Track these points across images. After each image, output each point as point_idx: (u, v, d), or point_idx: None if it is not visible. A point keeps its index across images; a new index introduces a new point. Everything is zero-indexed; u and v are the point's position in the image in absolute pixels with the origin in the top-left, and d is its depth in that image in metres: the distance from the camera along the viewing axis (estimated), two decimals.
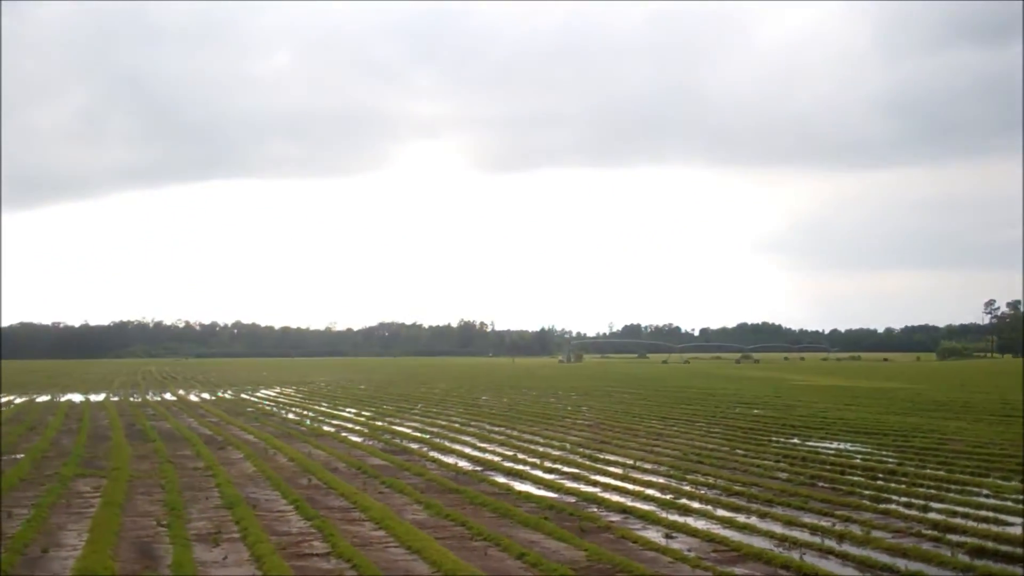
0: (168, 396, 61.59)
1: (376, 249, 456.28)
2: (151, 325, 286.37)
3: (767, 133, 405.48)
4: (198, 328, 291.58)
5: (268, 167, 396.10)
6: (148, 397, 60.09)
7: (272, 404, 53.52)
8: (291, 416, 43.74)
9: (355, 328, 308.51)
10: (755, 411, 43.39)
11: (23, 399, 57.38)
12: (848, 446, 28.53)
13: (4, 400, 55.97)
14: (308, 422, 39.75)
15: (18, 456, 26.50)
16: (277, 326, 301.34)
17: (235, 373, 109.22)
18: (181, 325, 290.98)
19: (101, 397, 59.87)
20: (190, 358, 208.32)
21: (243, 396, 61.61)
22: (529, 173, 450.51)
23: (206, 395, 62.81)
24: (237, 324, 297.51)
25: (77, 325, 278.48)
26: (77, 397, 60.07)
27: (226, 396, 61.66)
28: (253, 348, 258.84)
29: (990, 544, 14.53)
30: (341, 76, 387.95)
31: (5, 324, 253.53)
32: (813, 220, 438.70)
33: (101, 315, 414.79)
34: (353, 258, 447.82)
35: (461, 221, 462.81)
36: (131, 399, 57.68)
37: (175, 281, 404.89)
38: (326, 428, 36.76)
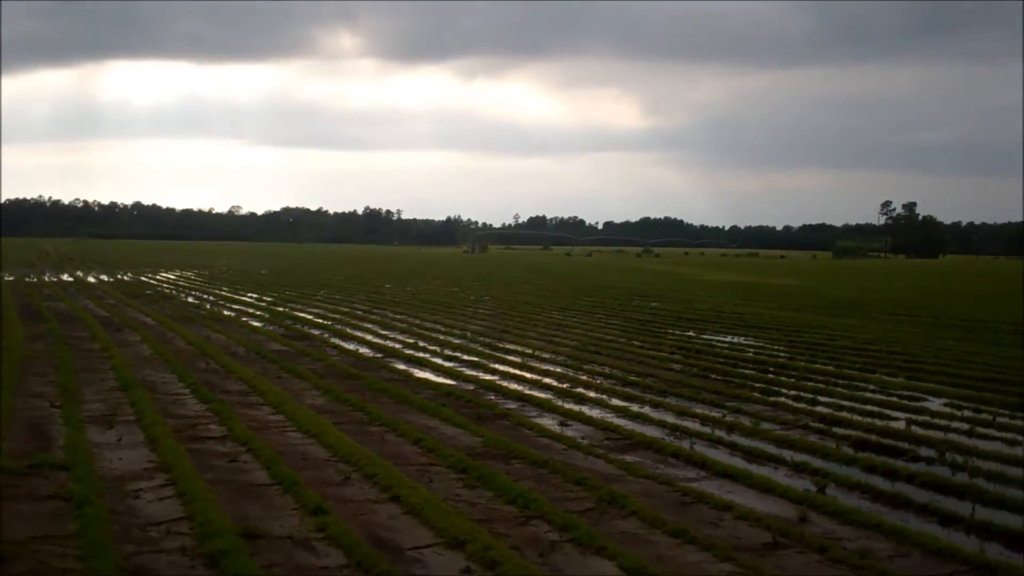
0: (65, 277, 60.37)
1: (284, 134, 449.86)
2: (48, 204, 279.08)
3: (682, 28, 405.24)
4: (97, 208, 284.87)
5: (180, 47, 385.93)
6: (44, 277, 58.82)
7: (172, 287, 52.85)
8: (191, 300, 43.28)
9: (259, 212, 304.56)
10: (653, 304, 44.06)
11: None
12: (741, 340, 29.17)
13: None
14: (208, 306, 39.37)
15: None
16: (179, 208, 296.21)
17: (134, 255, 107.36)
18: (79, 205, 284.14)
19: None
20: (88, 238, 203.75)
21: (142, 279, 60.70)
22: (443, 61, 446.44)
23: (104, 277, 61.74)
24: (137, 205, 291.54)
25: None
26: None
27: (125, 278, 60.68)
28: (153, 230, 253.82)
29: (873, 437, 15.04)
30: None
31: None
32: (721, 118, 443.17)
33: None
34: (260, 141, 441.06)
35: (373, 108, 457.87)
36: (26, 279, 56.42)
37: (74, 160, 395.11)
38: (226, 313, 36.46)
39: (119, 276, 62.88)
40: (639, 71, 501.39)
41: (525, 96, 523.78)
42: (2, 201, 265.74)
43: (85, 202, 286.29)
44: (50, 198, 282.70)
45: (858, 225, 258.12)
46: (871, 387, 20.20)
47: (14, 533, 9.53)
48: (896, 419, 16.60)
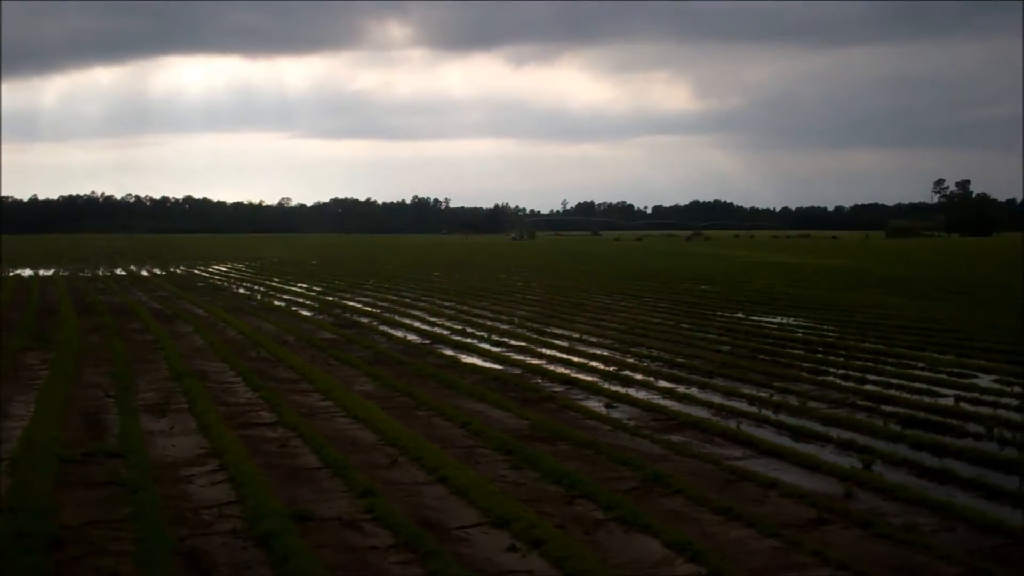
0: (118, 271, 61.23)
1: (334, 125, 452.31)
2: (101, 200, 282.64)
3: (734, 8, 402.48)
4: (149, 203, 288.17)
5: (231, 41, 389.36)
6: (98, 272, 59.68)
7: (223, 279, 53.46)
8: (242, 291, 43.79)
9: (308, 204, 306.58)
10: (702, 287, 43.91)
11: None
12: (791, 321, 29.04)
13: None
14: (259, 296, 39.80)
15: None
16: (229, 201, 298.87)
17: (186, 248, 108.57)
18: (132, 200, 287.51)
19: (51, 272, 59.38)
20: (141, 233, 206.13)
21: (194, 271, 61.42)
22: (493, 49, 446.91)
23: (157, 270, 62.53)
24: (188, 199, 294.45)
25: (26, 199, 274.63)
26: (26, 272, 59.54)
27: (177, 271, 61.43)
28: (205, 224, 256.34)
29: (921, 414, 14.95)
30: None
31: None
32: (774, 98, 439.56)
33: (50, 190, 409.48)
34: (309, 134, 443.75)
35: (422, 97, 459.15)
36: (81, 274, 57.29)
37: (127, 156, 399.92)
38: (277, 303, 36.86)
39: (171, 269, 63.65)
40: (691, 53, 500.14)
41: (575, 82, 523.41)
42: (57, 198, 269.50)
43: (137, 197, 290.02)
44: (103, 194, 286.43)
45: (911, 204, 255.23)
46: (920, 365, 20.05)
47: (70, 518, 9.76)
48: (945, 396, 16.48)
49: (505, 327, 27.39)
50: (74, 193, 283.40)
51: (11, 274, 56.78)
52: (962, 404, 15.74)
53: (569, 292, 41.06)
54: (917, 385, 17.49)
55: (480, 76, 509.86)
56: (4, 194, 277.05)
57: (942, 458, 12.33)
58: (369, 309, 33.88)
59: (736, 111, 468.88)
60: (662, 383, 17.98)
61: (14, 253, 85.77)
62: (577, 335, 25.23)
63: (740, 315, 30.85)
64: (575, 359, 21.08)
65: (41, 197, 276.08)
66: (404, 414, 15.07)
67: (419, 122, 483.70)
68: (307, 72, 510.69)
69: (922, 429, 14.01)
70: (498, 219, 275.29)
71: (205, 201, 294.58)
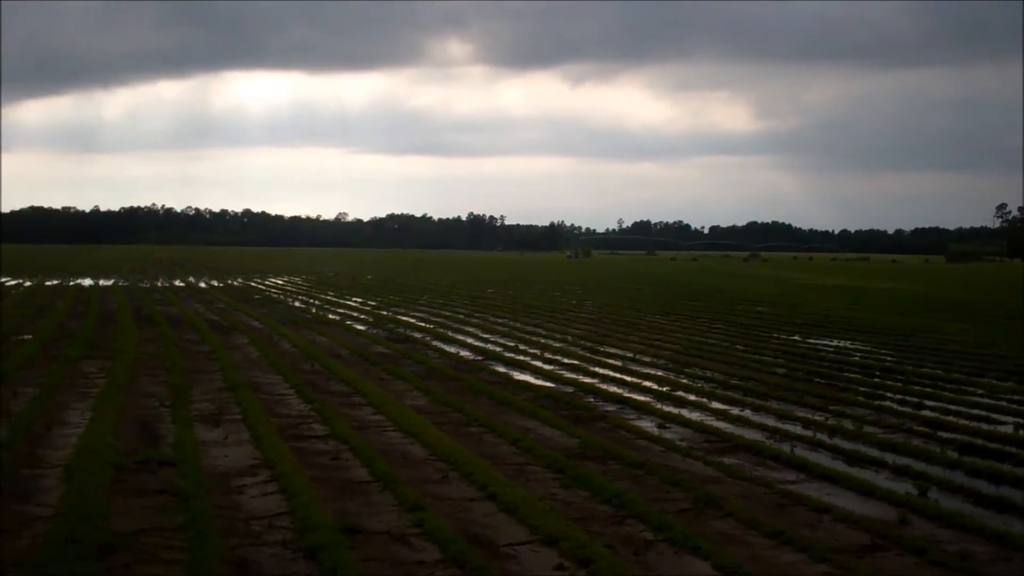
0: (177, 282, 61.94)
1: (392, 141, 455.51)
2: (161, 212, 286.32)
3: (793, 29, 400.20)
4: (208, 216, 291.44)
5: (293, 56, 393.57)
6: (157, 283, 60.42)
7: (279, 292, 53.88)
8: (297, 304, 44.10)
9: (365, 219, 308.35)
10: (759, 309, 43.58)
11: (32, 282, 57.72)
12: (848, 344, 28.73)
13: (13, 283, 56.30)
14: (314, 310, 40.07)
15: (26, 337, 26.75)
16: (287, 215, 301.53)
17: (244, 261, 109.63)
18: (191, 212, 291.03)
19: (110, 282, 60.19)
20: (200, 245, 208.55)
21: (251, 284, 61.98)
22: (552, 67, 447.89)
23: (214, 282, 63.15)
24: (247, 212, 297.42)
25: (88, 210, 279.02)
26: (86, 281, 60.42)
27: (234, 284, 62.01)
28: (262, 237, 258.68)
29: (979, 441, 14.71)
30: None
31: (16, 207, 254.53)
32: (832, 119, 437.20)
33: (112, 201, 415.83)
34: (368, 149, 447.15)
35: (480, 115, 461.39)
36: (140, 284, 58.03)
37: (188, 169, 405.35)
38: (331, 316, 37.07)
39: (228, 282, 64.25)
40: (751, 73, 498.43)
41: (633, 100, 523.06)
42: (119, 210, 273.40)
43: (197, 210, 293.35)
44: (163, 206, 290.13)
45: (972, 228, 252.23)
46: (979, 391, 19.74)
47: (123, 526, 9.85)
48: (1004, 423, 16.20)
49: (558, 345, 27.33)
50: (135, 205, 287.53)
51: (72, 284, 57.64)
52: (1021, 432, 15.47)
53: (623, 311, 40.93)
54: (975, 412, 17.22)
55: (538, 94, 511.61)
56: (67, 204, 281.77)
57: (1000, 486, 12.11)
58: (423, 324, 33.96)
59: (795, 132, 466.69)
60: (715, 404, 17.84)
61: (76, 264, 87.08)
62: (630, 354, 25.11)
63: (796, 337, 30.56)
64: (628, 378, 20.97)
65: (103, 208, 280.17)
66: (455, 430, 15.07)
67: (477, 139, 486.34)
68: (367, 88, 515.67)
69: (979, 456, 13.78)
70: (553, 237, 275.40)
71: (263, 214, 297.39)
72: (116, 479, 11.61)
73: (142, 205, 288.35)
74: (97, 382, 19.04)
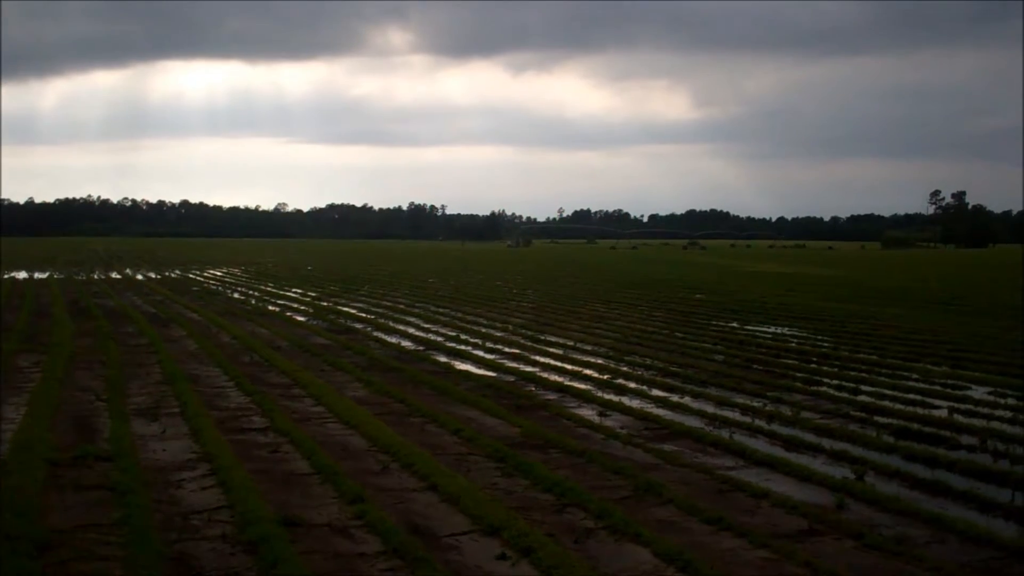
0: (113, 274, 61.12)
1: (332, 131, 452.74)
2: (97, 203, 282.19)
3: (734, 18, 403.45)
4: (145, 207, 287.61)
5: (231, 46, 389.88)
6: (93, 275, 59.56)
7: (218, 284, 53.39)
8: (236, 295, 43.72)
9: (305, 210, 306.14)
10: (697, 296, 43.91)
11: None
12: (785, 330, 29.04)
13: None
14: (253, 301, 39.75)
15: None
16: (226, 206, 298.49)
17: (182, 252, 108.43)
18: (128, 204, 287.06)
19: (45, 275, 59.24)
20: (137, 237, 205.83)
21: (189, 275, 61.34)
22: (493, 56, 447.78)
23: (152, 274, 62.42)
24: (184, 204, 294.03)
25: (22, 202, 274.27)
26: (21, 274, 59.39)
27: (172, 275, 61.33)
28: (201, 228, 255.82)
29: (915, 426, 14.92)
30: None
31: None
32: (771, 107, 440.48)
33: (47, 193, 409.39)
34: (307, 139, 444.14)
35: (420, 104, 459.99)
36: (76, 277, 57.18)
37: (125, 160, 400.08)
38: (271, 308, 36.82)
39: (166, 273, 63.54)
40: (691, 62, 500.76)
41: (574, 89, 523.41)
42: (54, 201, 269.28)
43: (134, 201, 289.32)
44: (99, 197, 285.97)
45: (907, 215, 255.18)
46: (914, 376, 20.04)
47: (59, 522, 9.72)
48: (938, 408, 16.47)
49: (499, 334, 27.36)
50: (71, 196, 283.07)
51: (6, 277, 56.60)
52: (956, 416, 15.74)
53: (564, 300, 41.05)
54: (911, 396, 17.49)
55: (479, 83, 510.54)
56: (2, 196, 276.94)
57: (935, 470, 12.31)
58: (363, 315, 33.82)
59: (735, 120, 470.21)
60: (656, 392, 17.95)
61: (10, 256, 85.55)
62: (571, 343, 25.20)
63: (735, 324, 30.84)
64: (569, 367, 21.04)
65: (38, 200, 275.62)
66: (396, 420, 15.03)
67: (417, 128, 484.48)
68: (307, 78, 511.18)
69: (915, 441, 14.00)
70: (495, 226, 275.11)
71: (201, 205, 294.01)
72: (52, 475, 11.45)
73: (78, 197, 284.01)
74: (32, 376, 18.74)
